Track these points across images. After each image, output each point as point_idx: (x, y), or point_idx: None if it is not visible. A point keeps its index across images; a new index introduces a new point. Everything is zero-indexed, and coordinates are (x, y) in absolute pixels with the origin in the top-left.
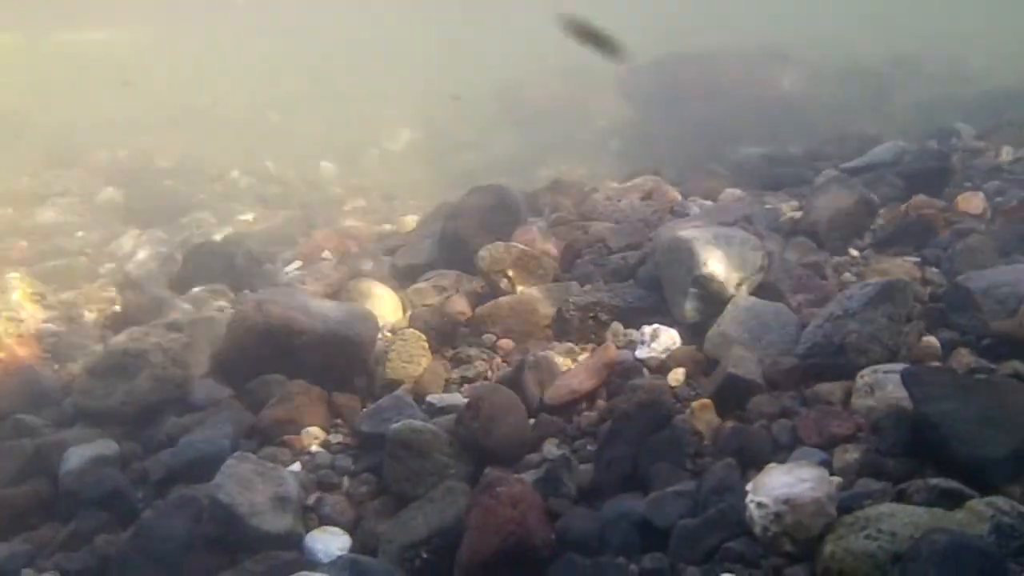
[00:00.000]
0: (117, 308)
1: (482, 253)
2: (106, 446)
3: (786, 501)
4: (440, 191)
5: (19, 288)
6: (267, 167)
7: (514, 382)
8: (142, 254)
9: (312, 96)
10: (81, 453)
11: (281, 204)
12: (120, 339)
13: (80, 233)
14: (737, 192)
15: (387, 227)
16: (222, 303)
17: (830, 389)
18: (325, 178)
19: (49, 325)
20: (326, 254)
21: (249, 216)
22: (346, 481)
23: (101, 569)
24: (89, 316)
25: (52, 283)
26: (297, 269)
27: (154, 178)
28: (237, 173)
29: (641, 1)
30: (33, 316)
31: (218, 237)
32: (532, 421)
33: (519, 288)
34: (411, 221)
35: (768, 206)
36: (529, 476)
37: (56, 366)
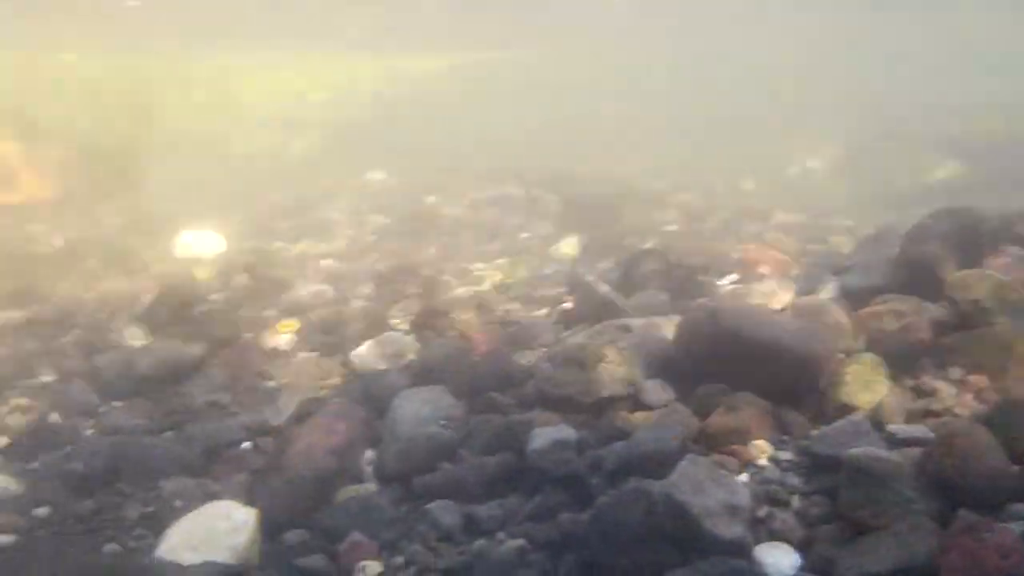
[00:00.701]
0: (568, 305)
1: (953, 279)
2: (566, 431)
3: None
4: (870, 212)
5: (489, 279)
6: (687, 179)
7: (993, 423)
8: (584, 256)
9: (735, 110)
10: (545, 434)
11: (705, 216)
12: (577, 335)
13: (525, 234)
14: None
15: (815, 246)
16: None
17: None
18: (746, 193)
19: (510, 315)
20: (763, 269)
21: (674, 227)
22: (796, 500)
23: (563, 543)
24: (541, 311)
25: (507, 277)
26: (734, 282)
27: (581, 187)
28: (665, 184)
29: None
30: (499, 306)
31: (648, 245)
32: (1016, 468)
33: (994, 320)
34: (842, 241)
35: None
36: (1015, 527)
37: (516, 353)
